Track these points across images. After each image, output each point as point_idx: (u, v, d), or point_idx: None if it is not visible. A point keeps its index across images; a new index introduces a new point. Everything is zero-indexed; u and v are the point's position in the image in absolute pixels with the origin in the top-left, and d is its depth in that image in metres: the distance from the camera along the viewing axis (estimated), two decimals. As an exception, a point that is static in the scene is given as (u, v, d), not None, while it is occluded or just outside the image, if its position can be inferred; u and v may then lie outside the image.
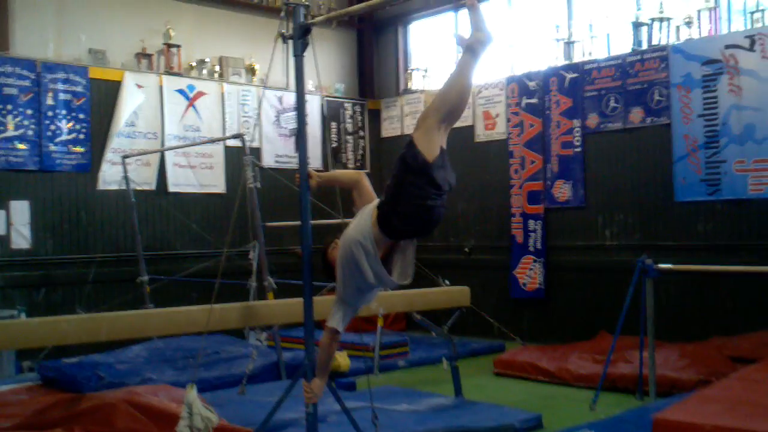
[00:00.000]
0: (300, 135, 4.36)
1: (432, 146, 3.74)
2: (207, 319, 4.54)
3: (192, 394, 3.83)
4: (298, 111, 4.37)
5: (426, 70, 11.65)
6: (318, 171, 4.46)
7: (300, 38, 4.26)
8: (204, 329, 4.51)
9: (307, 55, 4.38)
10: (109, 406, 5.17)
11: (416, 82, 11.87)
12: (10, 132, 8.69)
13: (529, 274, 10.03)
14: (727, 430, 4.41)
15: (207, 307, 4.72)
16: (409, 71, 12.02)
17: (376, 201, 3.95)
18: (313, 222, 4.43)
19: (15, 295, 8.68)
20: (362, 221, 3.90)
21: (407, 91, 11.96)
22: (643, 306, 6.54)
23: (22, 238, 8.79)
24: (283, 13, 4.28)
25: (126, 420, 5.06)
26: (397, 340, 9.06)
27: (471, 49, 3.80)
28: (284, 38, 4.28)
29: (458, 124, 11.34)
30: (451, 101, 3.85)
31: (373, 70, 12.40)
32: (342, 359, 7.65)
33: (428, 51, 11.83)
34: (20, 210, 8.79)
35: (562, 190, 9.73)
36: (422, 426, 5.46)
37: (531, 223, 10.03)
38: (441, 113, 3.84)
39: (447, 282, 8.05)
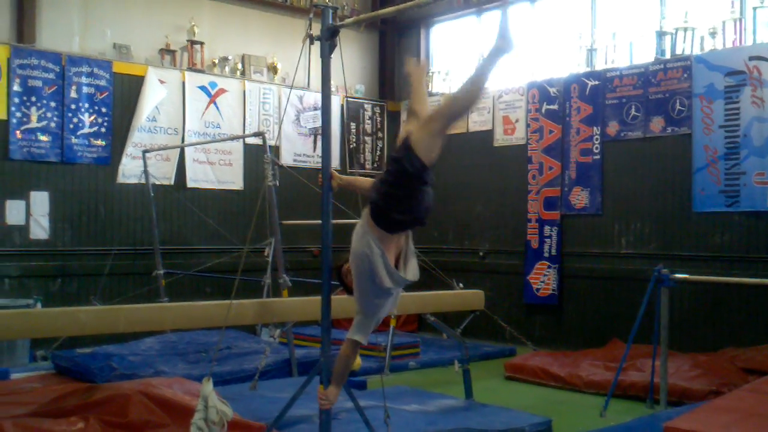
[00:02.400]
0: (324, 135, 4.38)
1: (432, 150, 3.72)
2: (225, 314, 4.58)
3: (208, 387, 3.86)
4: (322, 112, 4.40)
5: (447, 73, 11.66)
6: (338, 172, 4.47)
7: (328, 40, 4.28)
8: (221, 324, 4.55)
9: (332, 56, 4.40)
10: (123, 397, 5.21)
11: (437, 85, 11.88)
12: (33, 123, 8.80)
13: (543, 279, 10.02)
14: (738, 441, 4.41)
15: (225, 302, 4.76)
16: (430, 74, 12.04)
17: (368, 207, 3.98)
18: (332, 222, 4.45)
19: (31, 285, 8.78)
20: (360, 231, 3.93)
21: (428, 93, 11.95)
22: (657, 315, 6.53)
23: (40, 229, 8.89)
24: (311, 15, 4.31)
25: (140, 411, 5.10)
26: (409, 341, 9.09)
27: (491, 54, 3.72)
28: (311, 39, 4.30)
29: (477, 128, 11.43)
30: (462, 107, 3.85)
31: (395, 71, 12.43)
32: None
33: (450, 54, 11.85)
34: (40, 201, 8.89)
35: (580, 197, 9.72)
36: (432, 426, 5.47)
37: (547, 228, 10.03)
38: (449, 119, 3.82)
39: (461, 285, 8.07)
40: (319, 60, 4.35)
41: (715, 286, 8.22)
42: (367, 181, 4.27)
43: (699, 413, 5.09)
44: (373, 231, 3.83)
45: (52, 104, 8.92)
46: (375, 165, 12.10)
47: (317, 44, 4.34)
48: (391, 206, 3.76)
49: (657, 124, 8.96)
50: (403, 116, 12.20)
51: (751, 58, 8.15)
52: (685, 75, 8.69)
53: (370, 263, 3.84)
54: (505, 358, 8.81)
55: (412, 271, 3.95)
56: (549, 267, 9.98)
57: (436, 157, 3.77)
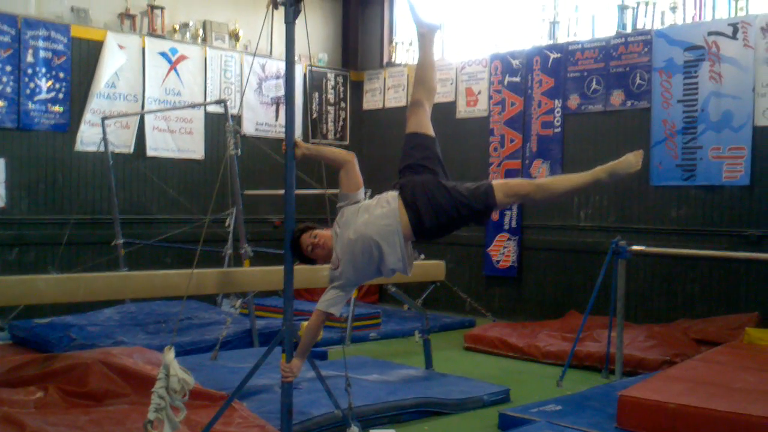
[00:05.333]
0: (288, 102, 4.34)
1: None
2: (186, 283, 4.55)
3: (170, 355, 3.85)
4: (286, 80, 4.35)
5: (411, 44, 11.62)
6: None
7: (292, 5, 4.23)
8: (183, 294, 4.52)
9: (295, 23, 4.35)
10: (83, 366, 5.18)
11: (400, 56, 11.85)
12: (-12, 88, 8.61)
13: (503, 251, 10.12)
14: (689, 408, 4.55)
15: (186, 271, 4.74)
16: (393, 44, 11.99)
17: (398, 198, 3.96)
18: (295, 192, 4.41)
19: (-13, 254, 8.64)
20: (388, 222, 3.90)
21: (390, 64, 11.94)
22: (614, 287, 6.65)
23: (-4, 196, 8.73)
24: (275, -20, 4.24)
25: (101, 380, 5.08)
26: (370, 312, 9.14)
27: (585, 181, 4.21)
28: (275, 4, 4.24)
29: (440, 99, 11.40)
30: (541, 202, 4.39)
31: (358, 41, 12.36)
32: (315, 329, 7.68)
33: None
34: (-5, 168, 8.73)
35: (540, 170, 9.80)
36: (393, 396, 5.54)
37: (507, 201, 10.09)
38: (526, 199, 4.23)
39: (422, 256, 8.11)
40: (282, 27, 4.30)
41: (670, 259, 8.39)
42: (338, 153, 4.21)
43: (652, 382, 5.24)
44: (405, 233, 3.94)
45: (8, 68, 8.71)
46: (338, 135, 12.05)
47: (280, 11, 4.28)
48: (441, 232, 4.09)
49: (617, 98, 9.05)
50: (366, 87, 12.16)
51: (709, 34, 8.25)
52: (646, 49, 8.78)
53: (382, 255, 3.90)
54: (464, 329, 8.91)
55: (410, 265, 4.08)
56: (509, 239, 10.08)
57: None
